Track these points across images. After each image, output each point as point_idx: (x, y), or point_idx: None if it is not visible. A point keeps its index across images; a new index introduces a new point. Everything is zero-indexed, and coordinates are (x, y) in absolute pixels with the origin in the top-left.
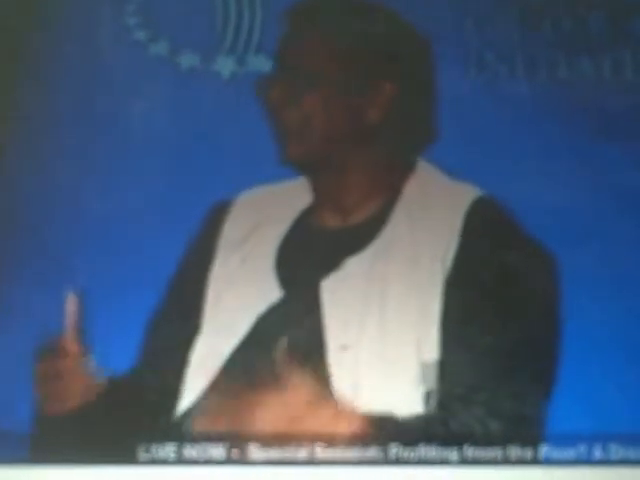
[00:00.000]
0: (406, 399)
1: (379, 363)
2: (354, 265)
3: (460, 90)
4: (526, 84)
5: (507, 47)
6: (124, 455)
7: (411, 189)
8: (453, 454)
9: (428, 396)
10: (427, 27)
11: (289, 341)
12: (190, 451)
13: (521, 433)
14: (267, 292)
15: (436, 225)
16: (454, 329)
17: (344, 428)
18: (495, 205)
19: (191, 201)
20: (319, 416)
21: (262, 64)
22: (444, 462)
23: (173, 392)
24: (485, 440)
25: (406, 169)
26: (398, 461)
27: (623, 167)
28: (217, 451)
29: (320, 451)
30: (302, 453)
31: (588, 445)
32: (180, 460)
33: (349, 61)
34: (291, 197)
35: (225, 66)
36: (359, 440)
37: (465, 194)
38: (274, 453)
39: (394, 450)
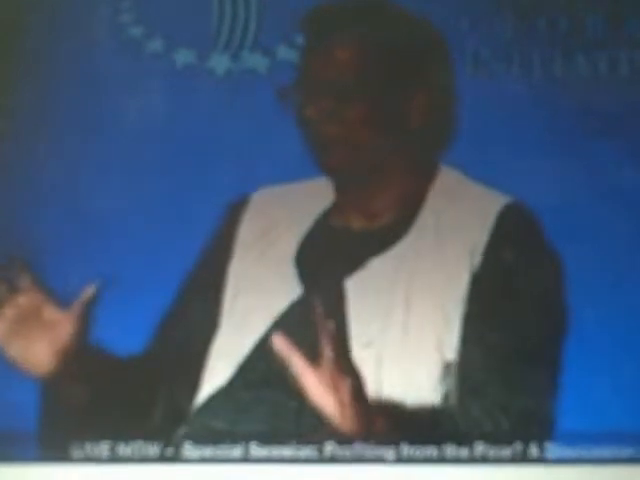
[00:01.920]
0: (426, 397)
1: (401, 361)
2: (379, 265)
3: (456, 88)
4: (522, 82)
5: (503, 45)
6: (57, 453)
7: (436, 192)
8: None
9: (447, 395)
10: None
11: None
12: (124, 449)
13: (528, 431)
14: (287, 289)
15: (463, 228)
16: (474, 330)
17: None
18: (525, 212)
19: (187, 200)
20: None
21: (257, 61)
22: (446, 460)
23: (190, 388)
24: (495, 437)
25: (430, 173)
26: (333, 459)
27: (618, 165)
28: (152, 449)
29: (254, 449)
30: (236, 451)
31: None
32: (114, 458)
33: (382, 71)
34: (308, 196)
35: (220, 63)
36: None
37: (495, 199)
38: (208, 451)
39: (329, 448)
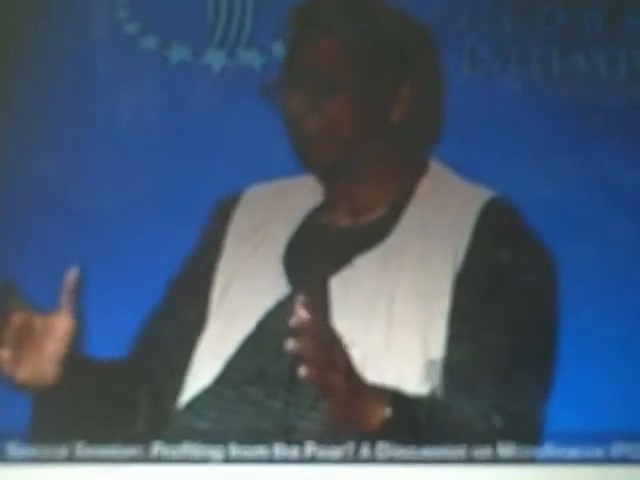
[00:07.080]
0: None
1: (385, 359)
2: (364, 263)
3: (453, 85)
4: (520, 80)
5: (501, 43)
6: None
7: (423, 190)
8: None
9: (433, 393)
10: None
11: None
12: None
13: (519, 431)
14: (275, 287)
15: (447, 225)
16: (459, 328)
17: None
18: (507, 206)
19: (181, 197)
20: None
21: (253, 58)
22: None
23: (176, 383)
24: (484, 436)
25: (419, 170)
26: (160, 459)
27: (616, 163)
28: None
29: (79, 449)
30: (62, 451)
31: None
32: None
33: (366, 64)
34: (299, 193)
35: (216, 60)
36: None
37: (478, 195)
38: (33, 451)
39: (156, 449)
